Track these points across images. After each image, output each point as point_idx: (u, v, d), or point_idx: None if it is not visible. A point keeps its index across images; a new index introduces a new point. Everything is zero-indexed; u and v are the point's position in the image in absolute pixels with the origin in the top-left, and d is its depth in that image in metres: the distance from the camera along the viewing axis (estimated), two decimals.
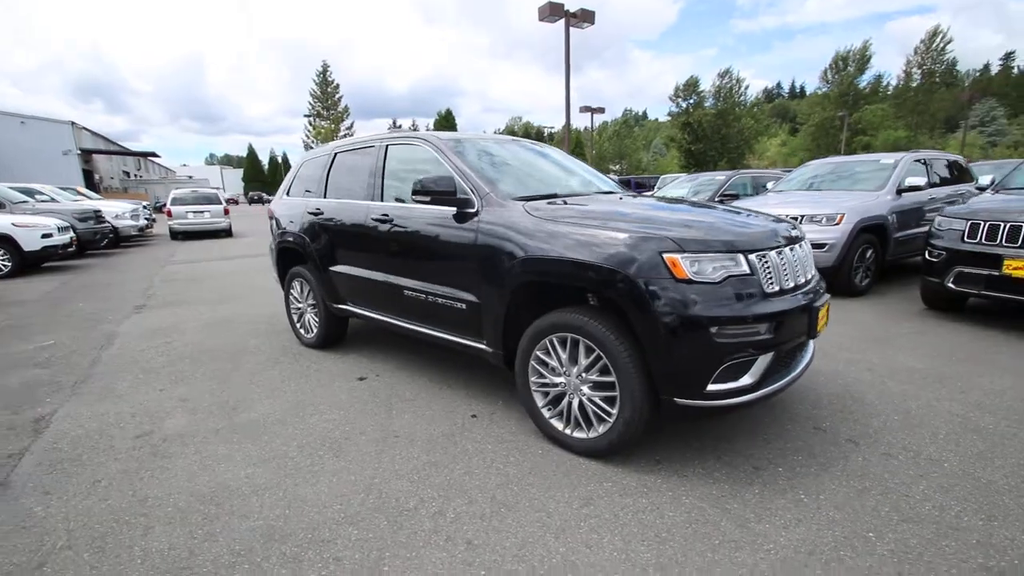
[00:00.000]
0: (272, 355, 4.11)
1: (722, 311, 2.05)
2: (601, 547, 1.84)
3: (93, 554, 1.87)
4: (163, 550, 1.88)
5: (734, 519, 1.98)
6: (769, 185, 8.09)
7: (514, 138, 3.90)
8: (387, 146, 3.55)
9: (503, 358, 2.75)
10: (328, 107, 49.79)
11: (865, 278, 5.72)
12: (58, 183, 15.66)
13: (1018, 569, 1.69)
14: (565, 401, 2.48)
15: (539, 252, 2.44)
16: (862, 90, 47.67)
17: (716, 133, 46.72)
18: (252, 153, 75.40)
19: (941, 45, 46.88)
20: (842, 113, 44.15)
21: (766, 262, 2.21)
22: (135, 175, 49.08)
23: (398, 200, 3.39)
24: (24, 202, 10.99)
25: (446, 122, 56.58)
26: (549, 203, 2.72)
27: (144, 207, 15.86)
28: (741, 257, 2.15)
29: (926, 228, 5.72)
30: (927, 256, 4.66)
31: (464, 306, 2.86)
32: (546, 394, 2.57)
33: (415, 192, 2.85)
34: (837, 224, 5.47)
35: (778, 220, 2.62)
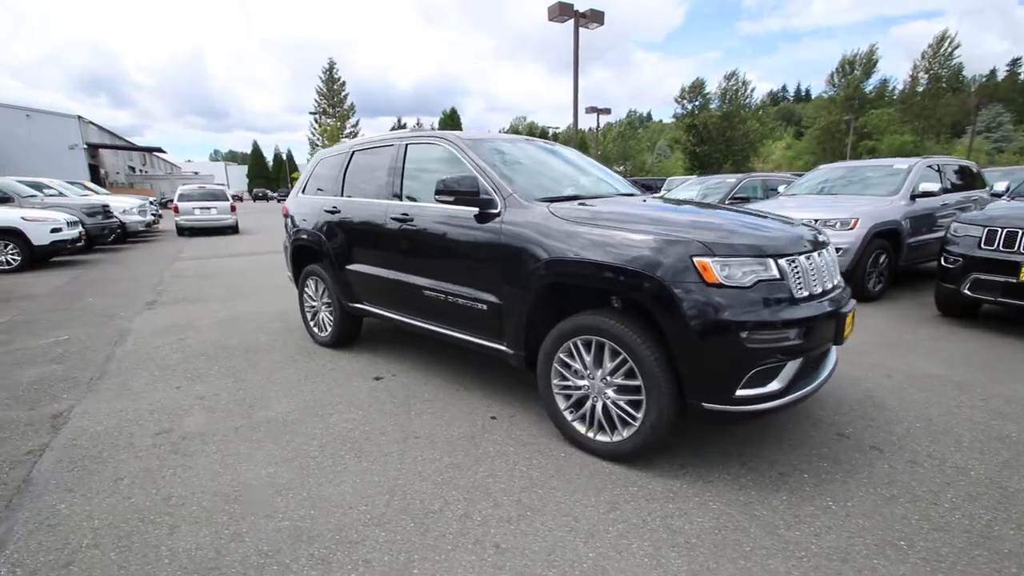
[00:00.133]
0: (287, 353, 4.10)
1: (752, 316, 2.04)
2: (631, 553, 1.83)
3: (120, 553, 1.86)
4: (190, 550, 1.87)
5: (763, 526, 1.96)
6: (780, 189, 8.07)
7: (529, 138, 3.89)
8: (407, 145, 3.54)
9: (524, 360, 2.74)
10: (334, 104, 49.89)
11: (878, 283, 5.70)
12: (64, 178, 15.64)
13: None
14: (588, 404, 2.47)
15: (564, 254, 2.43)
16: (868, 94, 47.61)
17: (721, 135, 46.71)
18: (257, 150, 75.54)
19: (949, 50, 46.84)
20: (848, 117, 44.06)
21: (795, 267, 2.20)
22: (140, 170, 49.15)
23: (416, 199, 3.38)
24: (33, 196, 10.99)
25: (451, 121, 56.63)
26: (573, 204, 2.71)
27: (151, 203, 15.87)
28: (771, 262, 2.14)
29: (938, 234, 5.73)
30: (943, 262, 4.65)
31: (485, 307, 2.85)
32: (568, 397, 2.56)
33: (438, 192, 2.83)
34: (851, 228, 5.44)
35: (805, 225, 2.61)
